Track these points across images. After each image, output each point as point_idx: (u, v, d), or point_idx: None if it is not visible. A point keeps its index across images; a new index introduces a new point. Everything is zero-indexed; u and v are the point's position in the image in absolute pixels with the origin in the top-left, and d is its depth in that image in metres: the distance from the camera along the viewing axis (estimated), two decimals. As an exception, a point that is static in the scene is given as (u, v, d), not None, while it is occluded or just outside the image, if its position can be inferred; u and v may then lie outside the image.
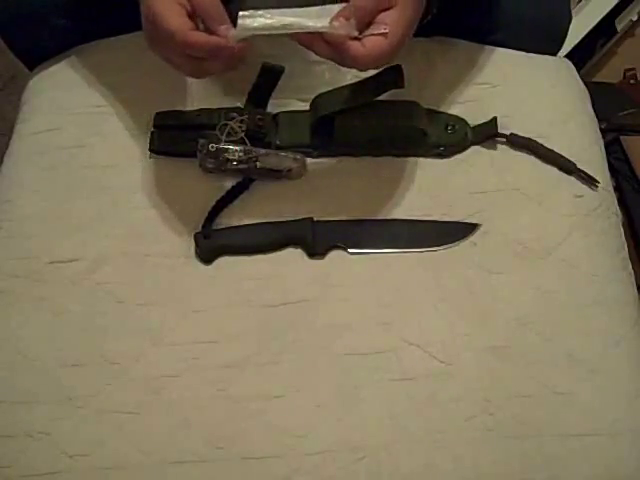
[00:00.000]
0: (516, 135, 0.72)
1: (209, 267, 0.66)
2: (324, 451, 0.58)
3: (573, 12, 0.85)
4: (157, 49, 0.60)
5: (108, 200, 0.69)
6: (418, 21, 0.60)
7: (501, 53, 0.79)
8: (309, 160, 0.71)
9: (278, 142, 0.71)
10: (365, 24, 0.58)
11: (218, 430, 0.59)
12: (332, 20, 0.56)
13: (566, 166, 0.71)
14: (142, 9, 0.58)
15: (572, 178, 0.71)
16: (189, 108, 0.73)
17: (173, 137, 0.72)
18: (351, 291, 0.65)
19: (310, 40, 0.59)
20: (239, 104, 0.73)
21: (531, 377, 0.61)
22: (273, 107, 0.73)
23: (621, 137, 1.12)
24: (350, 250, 0.67)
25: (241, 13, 0.58)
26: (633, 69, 1.29)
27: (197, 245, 0.66)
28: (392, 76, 0.73)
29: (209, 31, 0.57)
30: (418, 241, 0.67)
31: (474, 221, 0.68)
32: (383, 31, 0.57)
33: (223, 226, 0.67)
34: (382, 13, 0.58)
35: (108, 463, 0.57)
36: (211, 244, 0.66)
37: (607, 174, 0.74)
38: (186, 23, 0.56)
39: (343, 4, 0.58)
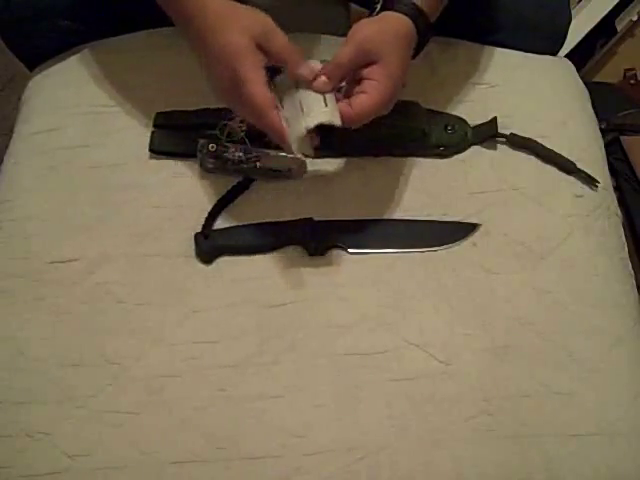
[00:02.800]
0: (516, 135, 0.72)
1: (209, 267, 0.66)
2: (324, 451, 0.58)
3: (573, 12, 0.85)
4: (225, 99, 0.61)
5: (108, 200, 0.69)
6: (408, 65, 0.61)
7: (501, 53, 0.79)
8: (309, 160, 0.71)
9: (278, 142, 0.71)
10: (347, 79, 0.60)
11: (218, 430, 0.59)
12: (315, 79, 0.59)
13: (566, 166, 0.71)
14: (214, 54, 0.58)
15: (572, 178, 0.71)
16: (189, 108, 0.73)
17: (173, 137, 0.72)
18: (351, 291, 0.65)
19: None
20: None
21: (531, 377, 0.61)
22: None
23: (621, 137, 1.12)
24: (350, 250, 0.67)
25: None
26: (633, 69, 1.29)
27: (197, 245, 0.66)
28: None
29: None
30: (418, 241, 0.67)
31: (474, 221, 0.68)
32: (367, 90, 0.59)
33: (223, 226, 0.67)
34: (367, 69, 0.59)
35: (108, 463, 0.57)
36: (211, 244, 0.66)
37: (607, 174, 0.74)
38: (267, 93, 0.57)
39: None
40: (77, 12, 0.77)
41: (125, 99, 0.74)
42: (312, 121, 0.58)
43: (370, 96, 0.58)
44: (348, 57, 0.59)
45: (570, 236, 0.68)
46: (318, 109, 0.59)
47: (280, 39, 0.57)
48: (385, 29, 0.60)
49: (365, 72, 0.59)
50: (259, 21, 0.57)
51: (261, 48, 0.57)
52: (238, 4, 0.59)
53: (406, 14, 0.60)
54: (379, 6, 0.62)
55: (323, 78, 0.59)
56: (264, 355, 0.62)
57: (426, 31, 0.62)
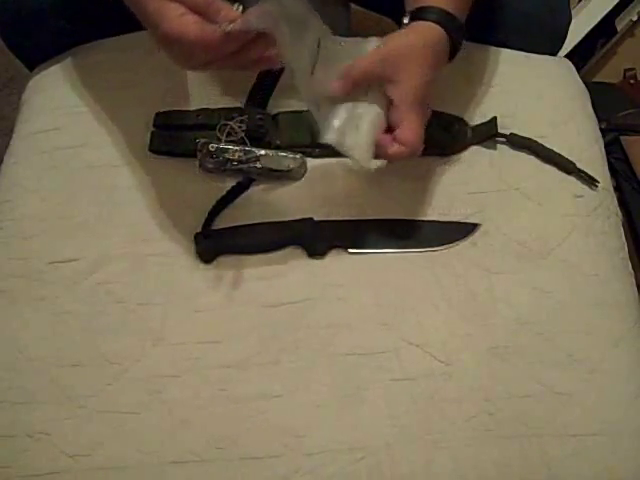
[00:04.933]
0: (516, 135, 0.72)
1: (209, 267, 0.66)
2: (324, 451, 0.58)
3: (573, 12, 0.85)
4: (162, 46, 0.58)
5: (108, 200, 0.69)
6: (436, 71, 0.61)
7: (501, 53, 0.79)
8: (309, 160, 0.71)
9: (278, 142, 0.71)
10: (364, 85, 0.60)
11: (218, 430, 0.59)
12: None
13: (566, 166, 0.71)
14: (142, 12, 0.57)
15: (572, 178, 0.71)
16: (189, 108, 0.73)
17: (173, 137, 0.72)
18: (351, 291, 0.65)
19: None
20: (239, 104, 0.73)
21: (531, 377, 0.61)
22: (273, 107, 0.73)
23: (621, 137, 1.12)
24: (350, 250, 0.67)
25: None
26: (633, 69, 1.29)
27: (197, 245, 0.66)
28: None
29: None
30: (418, 241, 0.67)
31: (474, 221, 0.68)
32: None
33: (223, 226, 0.67)
34: (389, 86, 0.59)
35: (108, 463, 0.57)
36: (211, 244, 0.66)
37: (607, 174, 0.74)
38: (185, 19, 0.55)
39: None
40: (77, 12, 0.77)
41: (125, 99, 0.74)
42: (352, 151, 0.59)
43: (410, 126, 0.59)
44: (368, 66, 0.59)
45: (570, 236, 0.68)
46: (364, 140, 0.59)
47: None
48: (412, 40, 0.60)
49: (395, 92, 0.59)
50: None
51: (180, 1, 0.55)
52: None
53: (435, 21, 0.60)
54: (407, 19, 0.62)
55: (336, 83, 0.59)
56: (264, 355, 0.62)
57: (458, 33, 0.62)
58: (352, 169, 0.70)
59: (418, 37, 0.60)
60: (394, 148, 0.59)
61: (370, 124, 0.60)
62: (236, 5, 0.57)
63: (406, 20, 0.62)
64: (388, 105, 0.60)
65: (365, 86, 0.60)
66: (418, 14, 0.61)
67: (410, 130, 0.59)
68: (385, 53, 0.59)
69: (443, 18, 0.61)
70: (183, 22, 0.54)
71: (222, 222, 0.68)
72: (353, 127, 0.59)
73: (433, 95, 0.62)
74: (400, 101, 0.59)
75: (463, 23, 0.63)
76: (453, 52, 0.63)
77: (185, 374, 0.61)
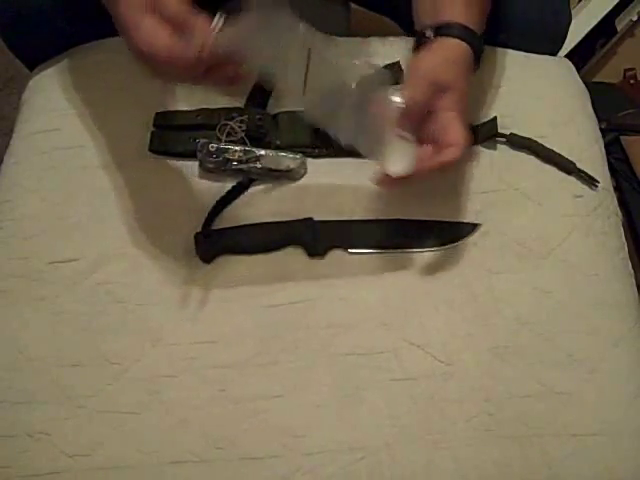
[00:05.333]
0: (516, 135, 0.72)
1: (209, 267, 0.66)
2: (324, 451, 0.58)
3: (573, 12, 0.85)
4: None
5: (108, 200, 0.69)
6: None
7: (501, 53, 0.79)
8: (309, 160, 0.71)
9: (278, 142, 0.71)
10: (422, 115, 0.60)
11: (217, 430, 0.59)
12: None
13: (566, 166, 0.71)
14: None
15: (572, 178, 0.71)
16: (189, 108, 0.73)
17: (173, 137, 0.72)
18: (351, 291, 0.65)
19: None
20: (239, 104, 0.73)
21: (531, 377, 0.61)
22: (273, 107, 0.73)
23: (621, 137, 1.12)
24: (350, 250, 0.67)
25: None
26: (633, 69, 1.29)
27: (197, 245, 0.66)
28: (392, 73, 0.73)
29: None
30: (418, 241, 0.67)
31: (474, 221, 0.68)
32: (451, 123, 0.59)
33: (223, 226, 0.67)
34: (439, 99, 0.60)
35: (108, 463, 0.57)
36: (211, 244, 0.66)
37: (607, 174, 0.74)
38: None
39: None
40: (77, 12, 0.77)
41: (125, 99, 0.74)
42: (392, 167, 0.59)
43: (458, 128, 0.59)
44: (421, 91, 0.59)
45: (570, 236, 0.68)
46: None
47: (167, 7, 0.53)
48: (450, 59, 0.61)
49: (439, 103, 0.60)
50: None
51: (152, 15, 0.54)
52: None
53: (459, 37, 0.62)
54: (432, 34, 0.63)
55: (411, 91, 0.59)
56: (264, 355, 0.62)
57: (480, 46, 0.64)
58: (352, 169, 0.70)
59: (448, 54, 0.61)
60: (448, 152, 0.59)
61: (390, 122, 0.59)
62: (218, 16, 0.56)
63: (429, 33, 0.63)
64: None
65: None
66: (442, 30, 0.62)
67: (459, 134, 0.59)
68: (426, 72, 0.60)
69: (466, 34, 0.62)
70: (155, 37, 0.54)
71: (222, 222, 0.68)
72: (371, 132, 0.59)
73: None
74: (450, 111, 0.60)
75: (481, 35, 0.64)
76: (477, 62, 0.65)
77: (185, 374, 0.61)
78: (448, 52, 0.62)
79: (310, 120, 0.60)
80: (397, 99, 0.59)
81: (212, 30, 0.53)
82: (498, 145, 0.73)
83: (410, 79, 0.61)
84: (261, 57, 0.55)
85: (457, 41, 0.62)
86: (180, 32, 0.53)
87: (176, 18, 0.54)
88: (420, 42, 0.64)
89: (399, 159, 0.59)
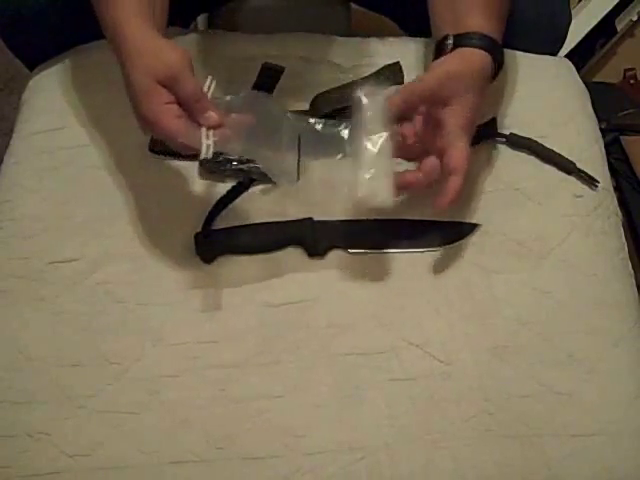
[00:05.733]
0: (516, 135, 0.72)
1: (209, 267, 0.66)
2: (324, 451, 0.58)
3: (573, 12, 0.85)
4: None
5: (108, 200, 0.69)
6: (484, 97, 0.62)
7: (501, 53, 0.78)
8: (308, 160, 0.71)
9: (278, 142, 0.71)
10: (413, 110, 0.61)
11: (218, 430, 0.59)
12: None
13: (566, 166, 0.71)
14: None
15: (572, 178, 0.71)
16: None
17: (173, 137, 0.72)
18: (351, 291, 0.65)
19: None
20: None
21: (531, 377, 0.61)
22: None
23: (621, 137, 1.12)
24: (350, 250, 0.67)
25: None
26: (633, 69, 1.29)
27: (197, 245, 0.66)
28: (392, 73, 0.73)
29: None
30: (418, 241, 0.67)
31: (474, 221, 0.68)
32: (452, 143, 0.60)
33: (223, 226, 0.67)
34: (443, 111, 0.60)
35: (108, 463, 0.57)
36: (211, 244, 0.66)
37: (607, 174, 0.74)
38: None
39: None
40: (77, 12, 0.77)
41: (125, 99, 0.74)
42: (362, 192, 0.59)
43: (459, 151, 0.59)
44: (427, 87, 0.59)
45: (570, 236, 0.68)
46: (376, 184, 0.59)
47: (186, 86, 0.56)
48: (466, 67, 0.61)
49: (442, 114, 0.60)
50: (166, 64, 0.56)
51: (168, 89, 0.56)
52: (158, 38, 0.58)
53: (480, 47, 0.61)
54: (451, 43, 0.63)
55: (396, 99, 0.59)
56: (264, 355, 0.62)
57: (500, 54, 0.63)
58: (351, 168, 0.70)
59: (469, 64, 0.61)
60: (450, 182, 0.59)
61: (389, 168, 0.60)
62: (209, 80, 0.59)
63: (450, 41, 0.63)
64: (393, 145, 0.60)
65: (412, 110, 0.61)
66: (462, 40, 0.62)
67: (461, 156, 0.59)
68: (442, 77, 0.60)
69: (490, 44, 0.62)
70: (165, 112, 0.56)
71: (222, 222, 0.68)
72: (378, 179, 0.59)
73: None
74: (454, 126, 0.60)
75: (501, 43, 0.64)
76: (496, 71, 0.65)
77: (185, 374, 0.61)
78: (465, 62, 0.61)
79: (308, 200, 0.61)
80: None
81: (205, 91, 0.57)
82: (498, 145, 0.73)
83: (424, 74, 0.61)
84: (256, 150, 0.59)
85: (477, 50, 0.61)
86: (189, 112, 0.56)
87: (190, 100, 0.56)
88: (440, 51, 0.64)
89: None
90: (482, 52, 0.61)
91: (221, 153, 0.68)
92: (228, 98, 0.60)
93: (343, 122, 0.63)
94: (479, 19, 0.63)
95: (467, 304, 0.64)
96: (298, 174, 0.62)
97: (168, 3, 0.65)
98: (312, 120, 0.64)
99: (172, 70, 0.56)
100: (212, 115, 0.56)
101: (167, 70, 0.56)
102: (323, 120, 0.64)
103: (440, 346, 0.62)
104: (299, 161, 0.63)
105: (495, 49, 0.63)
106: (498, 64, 0.64)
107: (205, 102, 0.57)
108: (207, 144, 0.56)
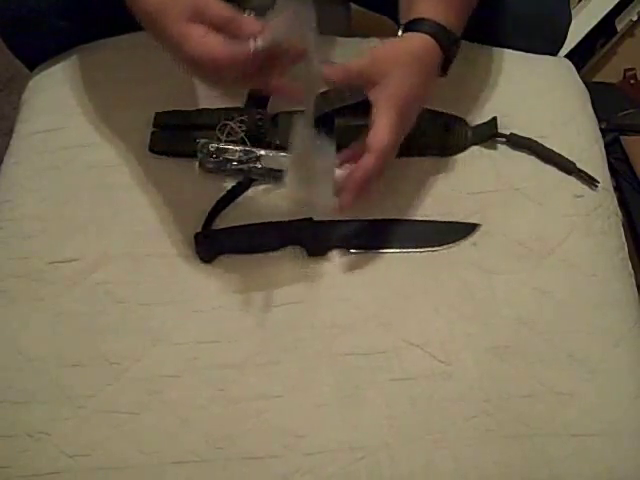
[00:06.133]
0: (516, 135, 0.72)
1: (209, 267, 0.66)
2: (324, 451, 0.58)
3: (573, 12, 0.85)
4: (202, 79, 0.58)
5: (108, 200, 0.69)
6: (428, 84, 0.61)
7: (501, 53, 0.79)
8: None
9: (278, 142, 0.71)
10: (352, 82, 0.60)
11: (218, 430, 0.59)
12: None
13: (566, 166, 0.71)
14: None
15: (572, 178, 0.71)
16: (189, 108, 0.73)
17: (173, 137, 0.72)
18: (351, 291, 0.65)
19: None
20: (239, 104, 0.73)
21: (531, 377, 0.61)
22: (273, 107, 0.73)
23: (621, 137, 1.12)
24: (350, 250, 0.67)
25: None
26: (633, 69, 1.29)
27: (197, 245, 0.66)
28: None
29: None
30: (418, 241, 0.67)
31: (474, 221, 0.68)
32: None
33: (223, 226, 0.67)
34: (371, 90, 0.59)
35: (108, 463, 0.57)
36: (211, 244, 0.66)
37: (607, 174, 0.74)
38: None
39: None
40: (77, 12, 0.77)
41: (125, 99, 0.74)
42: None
43: (378, 130, 0.58)
44: (360, 63, 0.59)
45: (570, 236, 0.68)
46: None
47: (213, 11, 0.54)
48: (401, 48, 0.60)
49: (371, 94, 0.59)
50: (186, 1, 0.54)
51: (200, 22, 0.54)
52: None
53: (426, 32, 0.60)
54: (401, 31, 0.62)
55: (332, 73, 0.58)
56: (264, 355, 0.62)
57: (450, 45, 0.62)
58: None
59: (406, 45, 0.60)
60: (361, 165, 0.58)
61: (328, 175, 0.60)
62: (247, 11, 0.56)
63: (400, 33, 0.62)
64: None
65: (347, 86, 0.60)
66: (411, 26, 0.61)
67: (379, 133, 0.58)
68: (375, 56, 0.59)
69: (436, 30, 0.60)
70: (207, 43, 0.54)
71: (222, 222, 0.68)
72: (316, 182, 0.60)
73: (417, 110, 0.62)
74: (377, 104, 0.58)
75: (459, 37, 0.63)
76: (446, 65, 0.63)
77: (185, 374, 0.61)
78: (407, 44, 0.60)
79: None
80: None
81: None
82: (498, 145, 0.73)
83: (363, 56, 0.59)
84: (310, 44, 0.55)
85: (422, 35, 0.60)
86: (229, 35, 0.54)
87: (223, 21, 0.54)
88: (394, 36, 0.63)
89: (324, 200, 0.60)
90: (427, 37, 0.60)
91: (222, 153, 0.68)
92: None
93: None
94: (427, 5, 0.61)
95: (467, 304, 0.64)
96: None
97: None
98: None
99: (194, 3, 0.54)
100: (251, 23, 0.54)
101: (190, 6, 0.54)
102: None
103: (440, 346, 0.62)
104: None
105: (445, 38, 0.61)
106: (448, 53, 0.62)
107: (239, 19, 0.54)
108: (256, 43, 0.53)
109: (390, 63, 0.59)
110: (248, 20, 0.54)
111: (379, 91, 0.59)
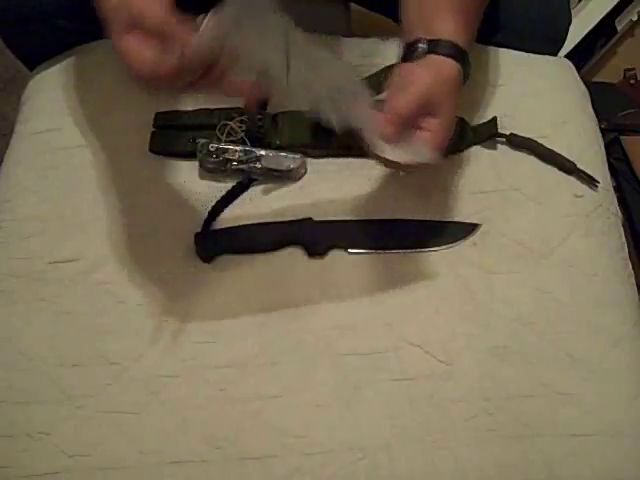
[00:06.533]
0: (516, 135, 0.72)
1: (209, 267, 0.66)
2: (324, 451, 0.58)
3: (573, 12, 0.85)
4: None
5: (108, 200, 0.69)
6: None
7: (501, 53, 0.79)
8: (309, 160, 0.71)
9: (278, 142, 0.71)
10: (401, 129, 0.58)
11: (218, 430, 0.59)
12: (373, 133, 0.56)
13: (566, 166, 0.71)
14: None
15: (572, 178, 0.71)
16: (189, 108, 0.73)
17: (173, 137, 0.72)
18: (351, 291, 0.65)
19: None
20: (239, 104, 0.73)
21: (531, 377, 0.61)
22: (273, 107, 0.73)
23: (621, 137, 1.12)
24: (350, 250, 0.67)
25: None
26: (633, 69, 1.29)
27: (197, 245, 0.66)
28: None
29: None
30: (418, 241, 0.67)
31: (474, 221, 0.68)
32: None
33: (223, 226, 0.67)
34: (424, 119, 0.59)
35: (108, 463, 0.58)
36: (211, 244, 0.66)
37: (607, 174, 0.74)
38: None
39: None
40: (77, 12, 0.77)
41: (125, 99, 0.74)
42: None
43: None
44: (409, 108, 0.58)
45: (570, 236, 0.68)
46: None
47: (149, 13, 0.52)
48: (443, 79, 0.60)
49: (422, 123, 0.59)
50: (127, 6, 0.53)
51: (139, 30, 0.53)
52: None
53: (451, 57, 0.61)
54: (425, 46, 0.61)
55: (388, 130, 0.57)
56: (264, 355, 0.62)
57: (468, 66, 0.63)
58: (352, 169, 0.70)
59: (444, 75, 0.60)
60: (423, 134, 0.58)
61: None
62: (202, 17, 0.56)
63: (423, 45, 0.61)
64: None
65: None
66: (435, 47, 0.61)
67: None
68: (419, 92, 0.58)
69: (458, 54, 0.61)
70: (143, 61, 0.53)
71: (222, 222, 0.68)
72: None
73: None
74: (436, 128, 0.59)
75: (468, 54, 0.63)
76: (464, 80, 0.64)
77: (185, 374, 0.61)
78: (443, 73, 0.60)
79: (296, 106, 0.59)
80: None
81: (196, 31, 0.53)
82: (498, 145, 0.73)
83: (400, 92, 0.59)
84: (243, 50, 0.53)
85: (449, 60, 0.60)
86: (166, 40, 0.53)
87: (158, 28, 0.53)
88: (410, 52, 0.63)
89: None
90: (453, 62, 0.60)
91: (222, 153, 0.68)
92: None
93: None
94: (450, 26, 0.62)
95: (467, 304, 0.64)
96: (288, 76, 0.58)
97: None
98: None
99: (129, 12, 0.53)
100: (182, 32, 0.51)
101: (127, 15, 0.53)
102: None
103: (440, 346, 0.62)
104: (288, 60, 0.59)
105: (465, 59, 0.62)
106: (466, 76, 0.63)
107: (172, 27, 0.52)
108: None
109: (437, 96, 0.59)
110: (182, 30, 0.53)
111: (432, 124, 0.59)
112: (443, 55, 0.60)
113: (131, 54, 0.53)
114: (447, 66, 0.60)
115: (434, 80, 0.59)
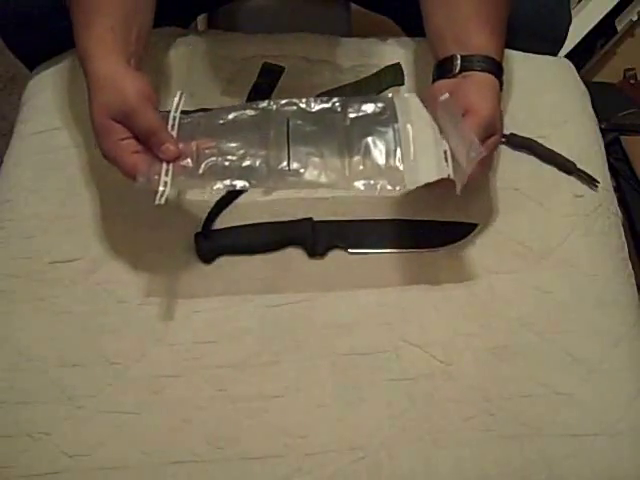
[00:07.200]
0: (516, 135, 0.72)
1: (209, 267, 0.66)
2: (324, 451, 0.58)
3: (573, 12, 0.85)
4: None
5: (108, 200, 0.69)
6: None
7: (501, 53, 0.78)
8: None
9: (278, 142, 0.71)
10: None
11: (218, 430, 0.59)
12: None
13: (566, 166, 0.71)
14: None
15: (572, 178, 0.71)
16: (189, 108, 0.73)
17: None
18: (351, 291, 0.65)
19: None
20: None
21: (531, 377, 0.61)
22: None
23: (621, 137, 1.12)
24: (350, 250, 0.67)
25: None
26: (633, 69, 1.29)
27: (197, 245, 0.66)
28: (392, 74, 0.73)
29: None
30: (418, 241, 0.67)
31: (474, 221, 0.68)
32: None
33: (223, 226, 0.67)
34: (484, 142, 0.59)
35: (108, 463, 0.57)
36: (211, 244, 0.66)
37: (607, 174, 0.74)
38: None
39: None
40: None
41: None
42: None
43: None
44: (478, 134, 0.58)
45: (570, 236, 0.68)
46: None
47: (140, 121, 0.56)
48: (495, 98, 0.61)
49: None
50: (121, 99, 0.56)
51: (123, 124, 0.57)
52: (120, 71, 0.58)
53: (490, 72, 0.61)
54: (459, 64, 0.62)
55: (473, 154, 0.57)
56: (264, 355, 0.62)
57: (502, 75, 0.64)
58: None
59: (494, 93, 0.61)
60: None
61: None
62: (178, 95, 0.60)
63: (458, 62, 0.62)
64: None
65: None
66: (471, 64, 0.62)
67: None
68: (481, 116, 0.59)
69: (495, 68, 0.62)
70: (121, 148, 0.56)
71: (222, 222, 0.68)
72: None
73: None
74: (488, 143, 0.60)
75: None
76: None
77: (185, 374, 0.61)
78: (493, 92, 0.61)
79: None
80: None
81: (172, 109, 0.58)
82: (498, 145, 0.73)
83: (468, 120, 0.59)
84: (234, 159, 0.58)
85: (488, 75, 0.61)
86: (148, 146, 0.57)
87: (147, 134, 0.56)
88: (445, 69, 0.63)
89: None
90: (492, 77, 0.62)
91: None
92: (198, 115, 0.60)
93: (334, 98, 0.62)
94: (485, 40, 0.63)
95: (467, 304, 0.64)
96: (289, 163, 0.59)
97: (149, 26, 0.64)
98: (300, 101, 0.61)
99: (126, 105, 0.56)
100: (169, 148, 0.56)
101: (121, 105, 0.56)
102: (312, 98, 0.62)
103: (440, 346, 0.62)
104: (289, 149, 0.60)
105: (500, 72, 0.63)
106: (501, 85, 0.64)
107: (162, 135, 0.57)
108: (162, 190, 0.56)
109: (495, 118, 0.60)
110: (168, 139, 0.57)
111: (493, 140, 0.61)
112: (480, 71, 0.61)
113: (110, 140, 0.57)
114: (491, 82, 0.61)
115: (493, 105, 0.60)
